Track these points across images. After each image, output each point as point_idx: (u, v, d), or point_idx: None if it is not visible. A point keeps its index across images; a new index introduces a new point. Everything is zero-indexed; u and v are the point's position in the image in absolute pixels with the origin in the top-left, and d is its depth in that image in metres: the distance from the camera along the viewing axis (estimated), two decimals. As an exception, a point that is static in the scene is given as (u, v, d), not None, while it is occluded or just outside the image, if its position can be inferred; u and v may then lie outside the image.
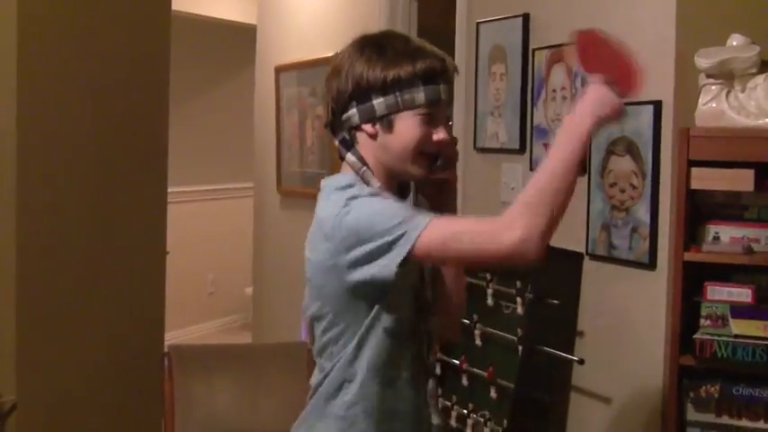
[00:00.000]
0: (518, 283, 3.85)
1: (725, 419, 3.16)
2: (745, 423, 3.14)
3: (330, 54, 5.72)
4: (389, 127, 2.41)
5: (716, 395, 3.15)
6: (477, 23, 4.50)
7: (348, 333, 2.44)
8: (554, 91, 3.98)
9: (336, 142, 2.51)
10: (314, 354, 2.57)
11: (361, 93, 2.40)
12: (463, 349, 4.07)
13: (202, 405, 3.89)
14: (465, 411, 4.00)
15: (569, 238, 3.79)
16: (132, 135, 4.15)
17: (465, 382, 4.06)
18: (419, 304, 2.53)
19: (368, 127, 2.42)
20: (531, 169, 4.10)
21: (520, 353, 3.76)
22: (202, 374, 3.98)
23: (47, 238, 3.84)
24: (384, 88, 2.38)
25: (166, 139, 4.35)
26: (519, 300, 3.85)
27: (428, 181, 2.51)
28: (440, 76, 2.43)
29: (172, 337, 6.60)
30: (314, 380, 2.54)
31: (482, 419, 3.90)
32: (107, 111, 4.03)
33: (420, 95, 2.39)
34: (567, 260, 3.81)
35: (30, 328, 3.77)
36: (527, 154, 4.17)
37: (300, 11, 6.59)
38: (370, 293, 2.39)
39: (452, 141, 2.49)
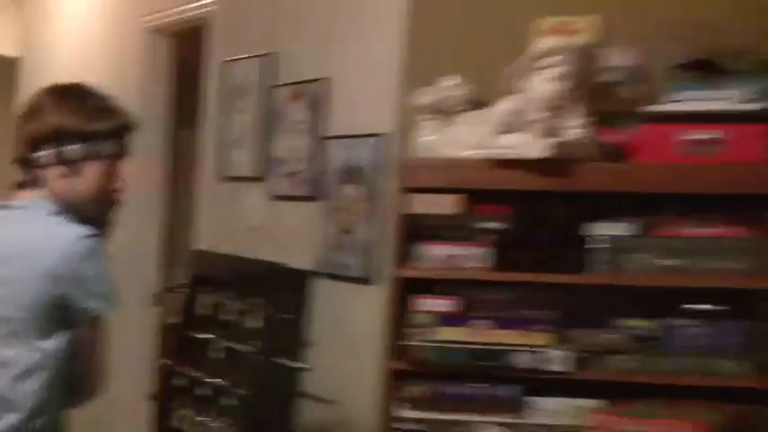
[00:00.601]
0: (256, 300, 3.98)
1: (435, 415, 3.31)
2: (451, 417, 3.29)
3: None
4: (77, 171, 2.59)
5: (424, 394, 3.32)
6: (225, 61, 4.66)
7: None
8: (292, 124, 4.16)
9: (27, 177, 2.63)
10: None
11: (57, 138, 2.57)
12: (205, 363, 4.17)
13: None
14: (206, 418, 4.08)
15: (307, 258, 3.99)
16: None
17: (205, 392, 4.14)
18: None
19: (58, 169, 2.58)
20: (271, 196, 4.28)
21: (256, 364, 3.89)
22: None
23: None
24: (81, 137, 2.57)
25: None
26: (257, 315, 3.96)
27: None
28: (126, 132, 2.66)
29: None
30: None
31: (222, 426, 4.00)
32: None
33: (108, 148, 2.61)
34: (299, 278, 3.95)
35: None
36: (267, 181, 4.34)
37: (64, 44, 6.59)
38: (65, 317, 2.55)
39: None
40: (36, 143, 2.59)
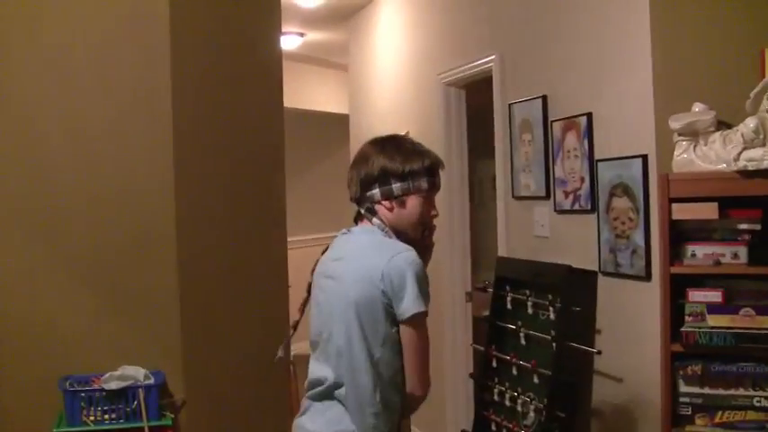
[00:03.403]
0: (550, 296, 3.92)
1: (706, 390, 3.17)
2: (721, 392, 3.14)
3: (403, 133, 5.86)
4: (402, 204, 2.62)
5: (699, 372, 3.17)
6: (509, 104, 4.58)
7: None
8: (568, 151, 4.04)
9: (362, 210, 2.69)
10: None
11: (384, 178, 2.60)
12: (512, 347, 4.13)
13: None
14: (516, 394, 4.06)
15: (586, 260, 3.86)
16: (260, 200, 4.28)
17: (515, 372, 4.11)
18: None
19: (386, 203, 2.63)
20: (555, 210, 4.17)
21: (554, 348, 3.82)
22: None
23: (203, 275, 3.96)
24: (402, 176, 2.60)
25: (284, 202, 4.47)
26: (551, 308, 3.90)
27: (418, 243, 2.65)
28: (437, 169, 2.66)
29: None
30: None
31: (528, 399, 3.96)
32: (242, 183, 4.17)
33: (425, 183, 2.63)
34: (585, 277, 3.86)
35: (192, 346, 3.91)
36: (551, 199, 4.23)
37: (380, 102, 6.73)
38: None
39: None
40: (366, 183, 2.64)
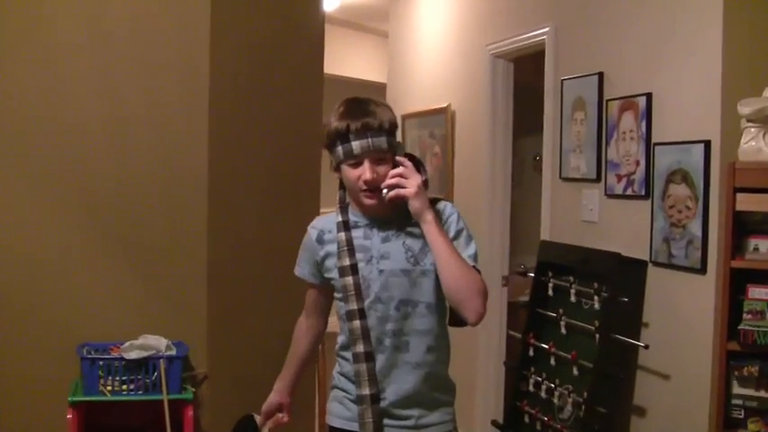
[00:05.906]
0: (595, 285, 3.81)
1: (762, 393, 3.07)
2: (781, 396, 3.06)
3: (444, 105, 5.74)
4: (340, 174, 2.54)
5: (756, 374, 3.07)
6: (562, 80, 4.45)
7: None
8: (624, 133, 3.91)
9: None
10: None
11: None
12: (552, 336, 4.05)
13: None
14: (553, 385, 3.97)
15: (637, 248, 3.75)
16: (295, 173, 4.20)
17: (553, 362, 4.03)
18: None
19: (338, 174, 2.56)
20: (606, 194, 4.05)
21: (597, 340, 3.73)
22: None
23: (231, 251, 3.90)
24: (328, 148, 2.52)
25: (319, 175, 4.39)
26: (596, 297, 3.81)
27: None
28: (348, 135, 2.44)
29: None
30: None
31: (566, 392, 3.87)
32: (277, 157, 4.09)
33: (340, 151, 2.46)
34: (635, 266, 3.75)
35: (217, 318, 3.85)
36: (602, 182, 4.10)
37: (420, 71, 6.60)
38: None
39: (375, 176, 2.45)
40: None
